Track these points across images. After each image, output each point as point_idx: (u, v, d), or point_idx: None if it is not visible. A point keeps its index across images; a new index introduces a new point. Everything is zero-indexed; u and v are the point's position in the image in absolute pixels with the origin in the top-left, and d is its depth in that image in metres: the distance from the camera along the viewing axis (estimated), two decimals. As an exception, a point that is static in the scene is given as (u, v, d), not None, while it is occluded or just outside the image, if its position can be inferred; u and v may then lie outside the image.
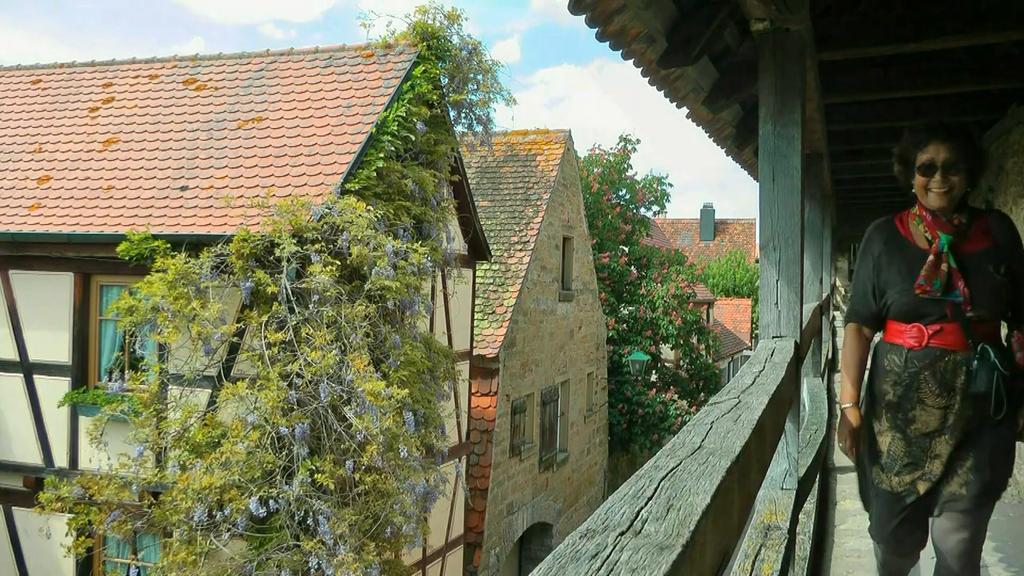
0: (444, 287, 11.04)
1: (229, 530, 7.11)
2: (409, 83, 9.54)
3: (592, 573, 0.88)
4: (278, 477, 7.26)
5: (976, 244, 2.71)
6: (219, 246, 7.80)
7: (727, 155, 7.42)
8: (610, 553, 0.93)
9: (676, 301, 21.21)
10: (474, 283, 12.72)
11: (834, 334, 15.18)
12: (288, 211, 7.80)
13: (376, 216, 7.89)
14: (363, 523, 7.43)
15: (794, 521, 3.28)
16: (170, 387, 8.21)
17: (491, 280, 14.56)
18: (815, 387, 7.27)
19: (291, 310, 7.59)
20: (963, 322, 2.65)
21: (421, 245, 8.39)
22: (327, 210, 7.83)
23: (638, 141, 22.75)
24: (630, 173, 22.50)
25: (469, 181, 12.34)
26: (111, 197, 9.38)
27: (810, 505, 4.34)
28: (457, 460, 11.65)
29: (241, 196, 8.73)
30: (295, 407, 7.26)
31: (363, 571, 7.06)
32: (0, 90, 11.81)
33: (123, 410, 7.98)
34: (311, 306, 7.56)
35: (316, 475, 7.16)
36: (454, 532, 12.02)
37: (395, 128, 8.93)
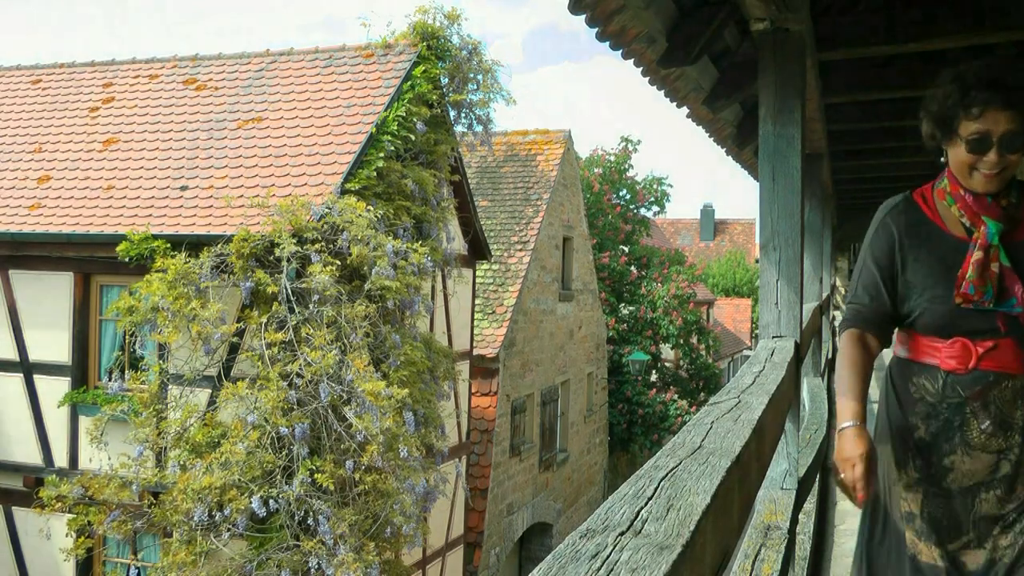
0: (444, 287, 11.04)
1: (229, 530, 7.11)
2: (409, 83, 9.54)
3: (592, 573, 0.88)
4: (278, 477, 7.26)
5: None
6: (219, 246, 7.80)
7: (727, 155, 7.42)
8: (610, 553, 0.93)
9: (676, 301, 21.21)
10: (474, 283, 12.72)
11: (834, 334, 15.16)
12: (288, 211, 7.80)
13: (376, 216, 7.89)
14: (363, 523, 7.43)
15: (794, 521, 3.28)
16: (170, 387, 8.21)
17: (491, 280, 14.56)
18: (815, 387, 7.27)
19: (291, 310, 7.59)
20: (1022, 338, 2.02)
21: (421, 245, 8.39)
22: (327, 210, 7.83)
23: (639, 141, 22.78)
24: (631, 173, 22.51)
25: (469, 181, 12.35)
26: (111, 197, 9.38)
27: (810, 505, 4.34)
28: (457, 460, 11.64)
29: (241, 196, 8.73)
30: (295, 407, 7.26)
31: (363, 571, 7.06)
32: (0, 90, 11.81)
33: (123, 410, 7.98)
34: (311, 306, 7.56)
35: (316, 475, 7.16)
36: (454, 532, 12.02)
37: (395, 128, 8.93)
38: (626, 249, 21.86)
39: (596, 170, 21.73)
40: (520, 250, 14.91)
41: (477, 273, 13.23)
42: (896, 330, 2.24)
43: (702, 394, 22.82)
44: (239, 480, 7.10)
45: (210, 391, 8.20)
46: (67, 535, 8.14)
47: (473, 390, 12.99)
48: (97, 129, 10.58)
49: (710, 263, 39.49)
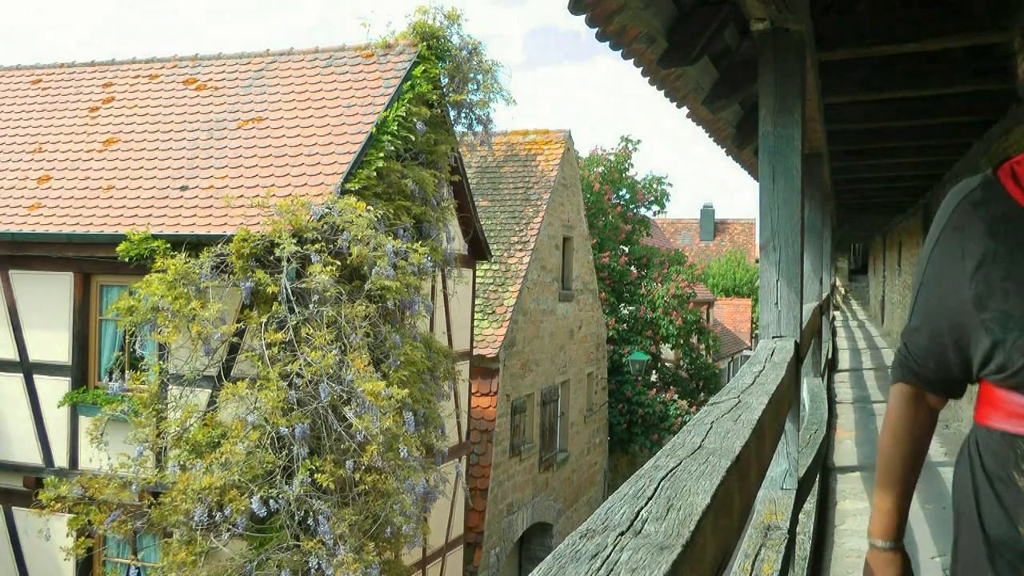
0: (444, 287, 11.04)
1: (229, 530, 7.11)
2: (409, 83, 9.55)
3: (592, 573, 0.88)
4: (278, 477, 7.26)
5: None
6: (219, 246, 7.80)
7: (727, 155, 7.42)
8: (610, 553, 0.93)
9: (676, 301, 21.22)
10: (474, 283, 12.72)
11: (834, 334, 15.14)
12: (288, 211, 7.80)
13: (376, 216, 7.89)
14: (363, 523, 7.43)
15: (794, 521, 3.28)
16: (170, 387, 8.21)
17: (491, 280, 14.56)
18: (815, 387, 7.28)
19: (291, 310, 7.59)
20: None
21: (421, 245, 8.39)
22: (327, 210, 7.83)
23: (639, 141, 22.77)
24: (631, 173, 22.51)
25: (469, 181, 12.35)
26: (111, 197, 9.38)
27: (810, 505, 4.34)
28: (457, 460, 11.65)
29: (241, 196, 8.73)
30: (295, 407, 7.26)
31: (363, 571, 7.06)
32: (0, 90, 11.82)
33: (123, 410, 7.98)
34: (311, 306, 7.56)
35: (316, 475, 7.16)
36: (454, 532, 12.02)
37: (395, 128, 8.93)
38: (626, 249, 21.86)
39: (596, 170, 21.73)
40: (520, 250, 14.91)
41: (477, 273, 13.23)
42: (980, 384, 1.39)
43: (702, 394, 22.82)
44: (239, 480, 7.09)
45: (210, 391, 8.20)
46: (67, 535, 8.14)
47: (473, 390, 12.99)
48: (97, 129, 10.58)
49: (710, 263, 39.50)
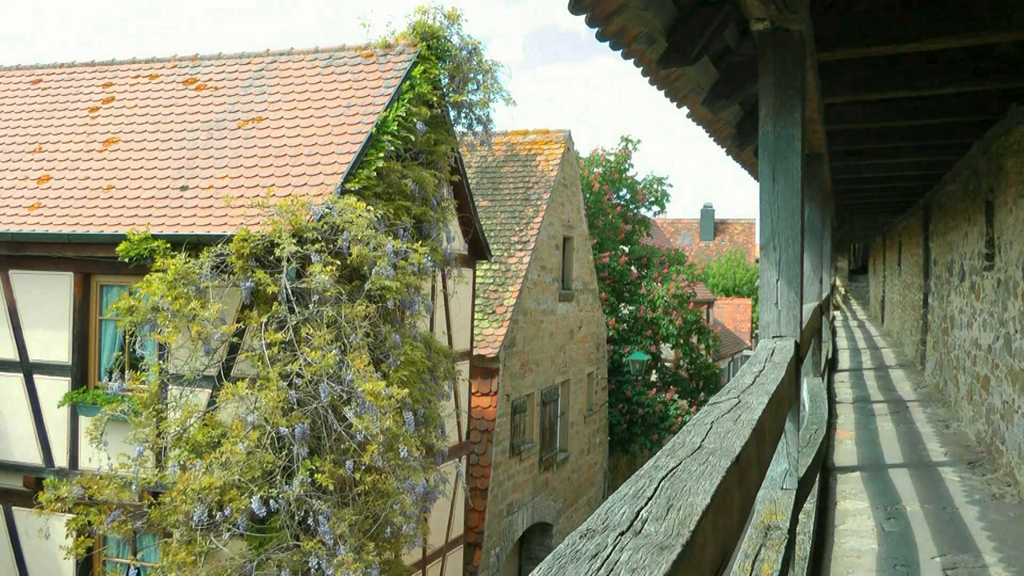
0: (444, 287, 11.04)
1: (229, 530, 7.11)
2: (409, 83, 9.54)
3: (592, 573, 0.88)
4: (278, 477, 7.26)
5: None
6: (219, 246, 7.80)
7: (727, 155, 7.42)
8: (610, 553, 0.93)
9: (676, 301, 21.21)
10: (474, 283, 12.72)
11: (834, 334, 15.15)
12: (288, 211, 7.80)
13: (376, 216, 7.89)
14: (363, 523, 7.43)
15: (794, 521, 3.28)
16: (170, 387, 8.21)
17: (491, 280, 14.56)
18: (815, 387, 7.28)
19: (291, 310, 7.59)
20: None
21: (421, 245, 8.39)
22: (327, 210, 7.83)
23: (639, 141, 22.77)
24: (631, 173, 22.51)
25: (469, 181, 12.35)
26: (111, 197, 9.38)
27: (810, 505, 4.34)
28: (457, 460, 11.65)
29: (241, 196, 8.73)
30: (295, 407, 7.26)
31: (363, 571, 7.06)
32: (0, 90, 11.82)
33: (123, 410, 7.98)
34: (311, 306, 7.56)
35: (316, 475, 7.16)
36: (454, 532, 12.03)
37: (395, 128, 8.93)
38: (626, 249, 21.85)
39: (596, 170, 21.72)
40: (520, 250, 14.92)
41: (477, 273, 13.23)
42: None
43: (702, 394, 22.82)
44: (239, 480, 7.09)
45: (210, 391, 8.20)
46: (67, 536, 8.14)
47: (473, 390, 12.99)
48: (97, 129, 10.58)
49: (710, 263, 39.50)
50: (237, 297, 7.85)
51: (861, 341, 18.14)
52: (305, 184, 8.78)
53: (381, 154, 8.71)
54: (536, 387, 15.30)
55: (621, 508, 1.07)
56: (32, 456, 9.26)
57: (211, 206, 8.81)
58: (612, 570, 0.88)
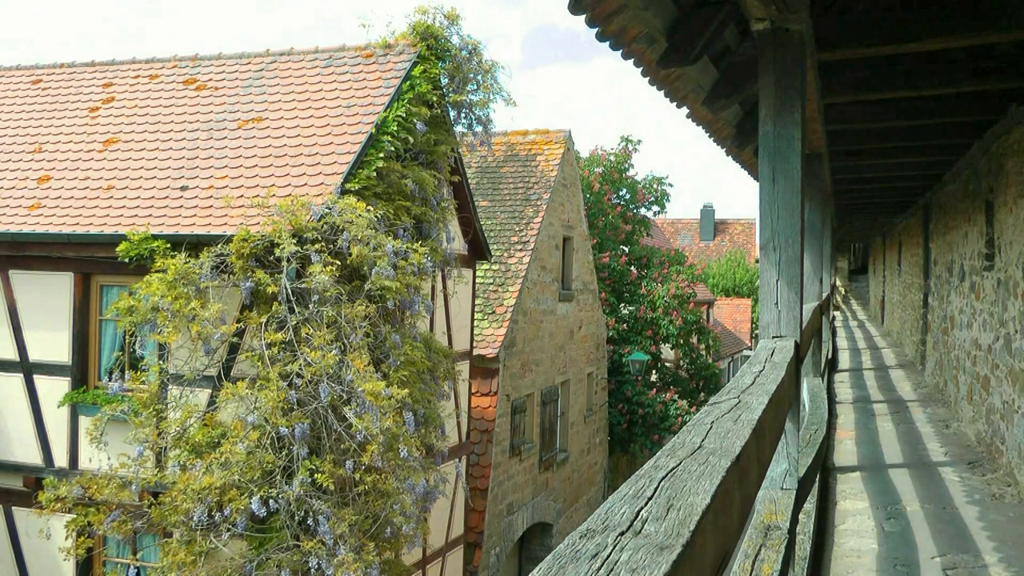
0: (444, 287, 11.04)
1: (229, 530, 7.11)
2: (409, 83, 9.54)
3: (592, 573, 0.88)
4: (278, 477, 7.26)
5: None
6: (219, 246, 7.80)
7: (727, 155, 7.42)
8: (610, 553, 0.93)
9: (676, 301, 21.21)
10: (474, 283, 12.72)
11: (834, 334, 15.16)
12: (288, 211, 7.80)
13: (376, 216, 7.89)
14: (363, 523, 7.43)
15: (794, 521, 3.28)
16: (170, 387, 8.21)
17: (491, 280, 14.56)
18: (815, 387, 7.28)
19: (291, 310, 7.59)
20: None
21: (421, 245, 8.39)
22: (327, 210, 7.83)
23: (639, 141, 22.77)
24: (631, 173, 22.51)
25: (469, 181, 12.35)
26: (111, 197, 9.38)
27: (810, 505, 4.34)
28: (457, 460, 11.65)
29: (241, 196, 8.73)
30: (295, 407, 7.26)
31: (363, 571, 7.06)
32: (0, 90, 11.82)
33: (123, 410, 7.98)
34: (311, 306, 7.56)
35: (316, 475, 7.16)
36: (454, 532, 12.03)
37: (395, 128, 8.93)
38: (626, 249, 21.85)
39: (596, 170, 21.72)
40: (520, 250, 14.92)
41: (477, 273, 13.23)
42: None
43: (702, 394, 22.81)
44: (239, 480, 7.09)
45: (210, 391, 8.20)
46: (67, 538, 8.14)
47: (473, 390, 12.99)
48: (97, 129, 10.58)
49: (710, 263, 39.50)
50: (237, 297, 7.85)
51: (861, 341, 18.14)
52: (305, 184, 8.78)
53: (381, 154, 8.71)
54: (536, 387, 15.30)
55: (621, 508, 1.07)
56: (32, 456, 9.26)
57: (211, 206, 8.81)
58: (612, 570, 0.88)
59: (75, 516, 8.00)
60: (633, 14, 3.32)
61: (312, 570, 7.14)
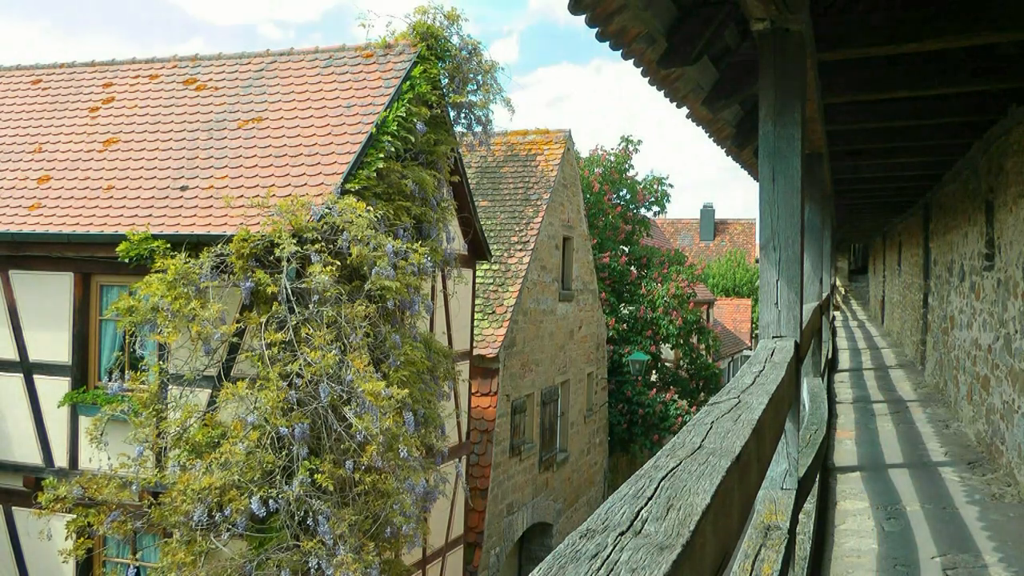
0: (444, 287, 11.04)
1: (229, 530, 7.11)
2: (409, 83, 9.54)
3: (592, 573, 0.88)
4: (278, 477, 7.26)
5: None
6: (219, 246, 7.80)
7: (727, 155, 7.42)
8: (610, 553, 0.93)
9: (676, 301, 21.21)
10: (474, 283, 12.72)
11: (834, 334, 15.15)
12: (288, 211, 7.80)
13: (376, 216, 7.89)
14: (363, 523, 7.43)
15: (794, 521, 3.28)
16: (170, 387, 8.21)
17: (491, 280, 14.56)
18: (815, 387, 7.28)
19: (291, 310, 7.59)
20: None
21: (421, 245, 8.39)
22: (327, 210, 7.83)
23: (639, 141, 22.77)
24: (631, 173, 22.51)
25: (469, 181, 12.34)
26: (111, 197, 9.38)
27: (810, 505, 4.34)
28: (457, 460, 11.64)
29: (241, 196, 8.73)
30: (295, 407, 7.26)
31: (363, 571, 7.06)
32: (0, 90, 11.82)
33: (123, 410, 7.98)
34: (311, 306, 7.55)
35: (316, 475, 7.16)
36: (454, 532, 12.02)
37: (395, 128, 8.93)
38: (626, 249, 21.86)
39: (596, 170, 21.72)
40: (520, 250, 14.91)
41: (477, 273, 13.23)
42: None
43: (702, 394, 22.81)
44: (239, 480, 7.09)
45: (210, 391, 8.20)
46: (66, 538, 8.14)
47: (473, 390, 12.99)
48: (97, 129, 10.58)
49: (710, 263, 39.50)
50: (237, 297, 7.85)
51: (861, 341, 18.14)
52: (305, 184, 8.78)
53: (381, 154, 8.71)
54: (536, 387, 15.30)
55: (621, 508, 1.07)
56: (32, 456, 9.26)
57: (211, 206, 8.81)
58: (612, 570, 0.88)
59: (75, 516, 8.00)
60: (633, 14, 3.32)
61: (312, 570, 7.14)
